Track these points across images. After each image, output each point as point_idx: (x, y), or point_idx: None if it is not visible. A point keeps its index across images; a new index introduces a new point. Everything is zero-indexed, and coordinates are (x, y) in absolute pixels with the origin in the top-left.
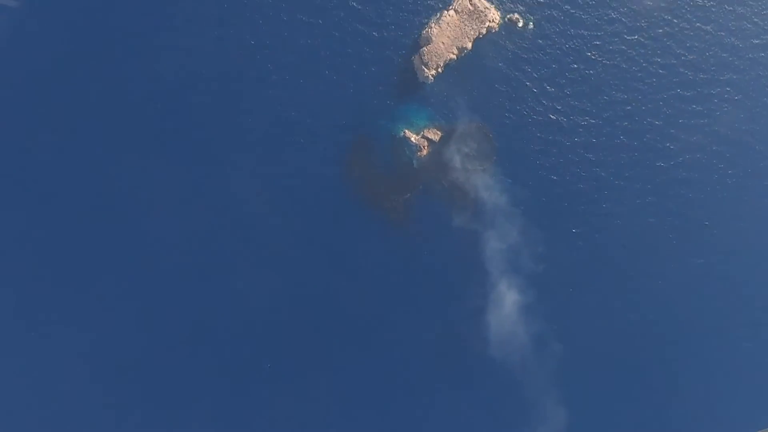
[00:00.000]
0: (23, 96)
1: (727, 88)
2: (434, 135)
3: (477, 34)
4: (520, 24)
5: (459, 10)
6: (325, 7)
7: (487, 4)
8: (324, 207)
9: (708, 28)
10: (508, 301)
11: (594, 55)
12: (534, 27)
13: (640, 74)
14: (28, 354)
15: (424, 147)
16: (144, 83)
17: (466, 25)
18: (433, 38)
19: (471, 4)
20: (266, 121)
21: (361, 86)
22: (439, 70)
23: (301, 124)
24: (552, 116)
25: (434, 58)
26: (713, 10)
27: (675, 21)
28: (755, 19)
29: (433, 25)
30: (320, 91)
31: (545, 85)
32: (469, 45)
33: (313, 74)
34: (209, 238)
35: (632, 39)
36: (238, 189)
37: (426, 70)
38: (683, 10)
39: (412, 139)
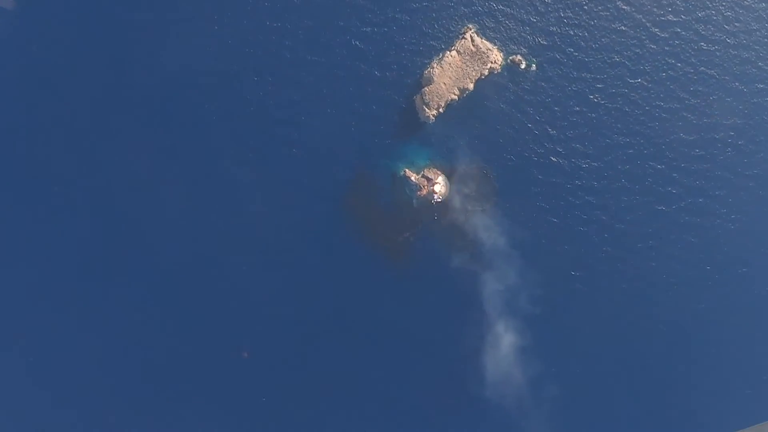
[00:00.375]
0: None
1: (731, 133)
2: (434, 175)
3: (479, 75)
4: (523, 66)
5: (461, 51)
6: (329, 45)
7: (490, 46)
8: (323, 243)
9: (712, 72)
10: (505, 342)
11: (597, 98)
12: (537, 69)
13: (642, 118)
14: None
15: (424, 186)
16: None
17: (468, 65)
18: (435, 78)
19: (473, 45)
20: (268, 157)
21: (363, 124)
22: (441, 110)
23: (302, 160)
24: (553, 158)
25: (435, 99)
26: (717, 54)
27: (679, 65)
28: (760, 64)
29: (435, 65)
30: (321, 128)
31: (547, 127)
32: (471, 86)
33: (315, 112)
34: (207, 271)
35: (635, 82)
36: (236, 225)
37: (427, 110)
38: (687, 54)
39: (412, 178)
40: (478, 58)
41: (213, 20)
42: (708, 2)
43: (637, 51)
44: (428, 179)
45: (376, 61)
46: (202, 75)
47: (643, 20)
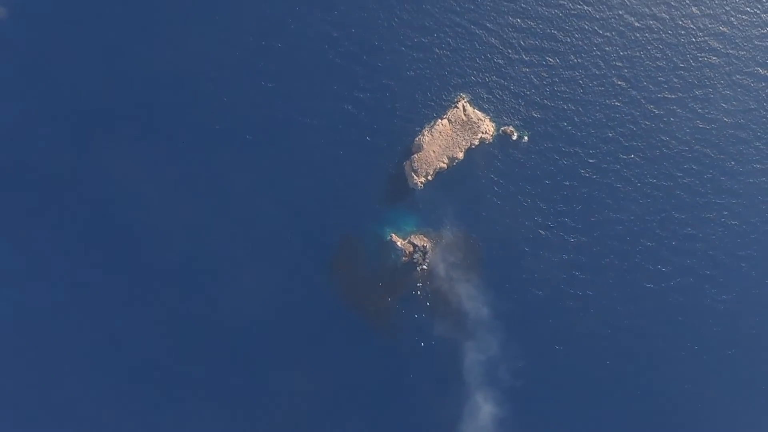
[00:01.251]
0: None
1: (724, 212)
2: (421, 241)
3: (469, 144)
4: (515, 137)
5: (452, 120)
6: (321, 108)
7: (482, 116)
8: (306, 303)
9: (707, 151)
10: (484, 413)
11: (588, 173)
12: (528, 141)
13: (633, 194)
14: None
15: (409, 252)
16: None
17: (458, 135)
18: (424, 146)
19: (465, 114)
20: (258, 216)
21: (352, 188)
22: (429, 177)
23: (290, 220)
24: (541, 232)
25: (424, 166)
26: (714, 133)
27: (673, 143)
28: (757, 144)
29: (425, 132)
30: (311, 189)
31: (537, 200)
32: (461, 155)
33: (305, 173)
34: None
35: (628, 159)
36: (222, 281)
37: (415, 176)
38: (683, 132)
39: (399, 243)
40: (469, 128)
41: (209, 80)
42: (706, 80)
43: (631, 127)
44: (414, 245)
45: (367, 127)
46: (190, 131)
47: (638, 97)
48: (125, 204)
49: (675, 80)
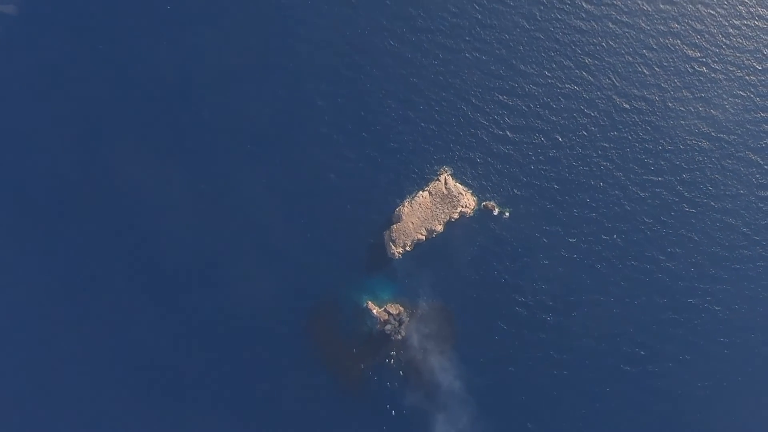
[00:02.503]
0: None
1: (707, 298)
2: (396, 310)
3: (448, 217)
4: (496, 212)
5: (433, 193)
6: (304, 176)
7: (463, 190)
8: (279, 366)
9: (692, 235)
10: None
11: (568, 252)
12: (510, 217)
13: (614, 277)
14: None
15: (384, 320)
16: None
17: (437, 207)
18: (403, 217)
19: (446, 187)
20: (238, 274)
21: (332, 254)
22: (407, 248)
23: (269, 280)
24: (518, 309)
25: (402, 237)
26: (700, 217)
27: (657, 226)
28: (745, 229)
29: (406, 204)
30: (291, 253)
31: (515, 277)
32: (440, 227)
33: (285, 237)
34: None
35: (610, 240)
36: (201, 339)
37: (393, 247)
38: (668, 215)
39: (374, 311)
40: (449, 201)
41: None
42: (694, 164)
43: (615, 209)
44: (390, 314)
45: (349, 195)
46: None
47: (623, 178)
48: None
49: (662, 163)
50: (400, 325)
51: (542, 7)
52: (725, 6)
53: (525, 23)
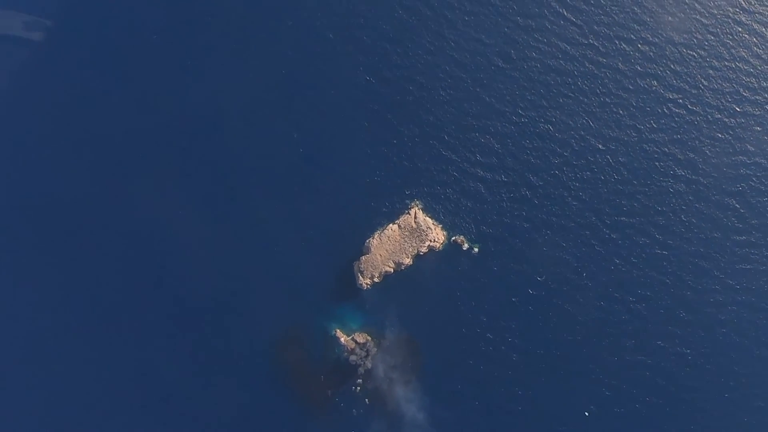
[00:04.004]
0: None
1: (676, 341)
2: (364, 339)
3: (416, 251)
4: (465, 247)
5: (402, 226)
6: (278, 208)
7: (432, 224)
8: (246, 390)
9: (663, 278)
10: None
11: (536, 291)
12: (479, 253)
13: (582, 317)
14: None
15: (351, 349)
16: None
17: (406, 241)
18: (372, 249)
19: (415, 221)
20: (214, 297)
21: (303, 282)
22: (375, 279)
23: (241, 304)
24: (482, 346)
25: (370, 268)
26: (672, 260)
27: (626, 267)
28: (717, 273)
29: (376, 236)
30: (264, 279)
31: (481, 313)
32: (408, 260)
33: (259, 264)
34: None
35: (578, 280)
36: (171, 362)
37: (361, 277)
38: (640, 257)
39: (342, 339)
40: (417, 235)
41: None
42: (667, 207)
43: (584, 249)
44: (357, 343)
45: (321, 226)
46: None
47: (594, 219)
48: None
49: (635, 205)
50: (367, 355)
51: (518, 46)
52: (706, 47)
53: (500, 62)
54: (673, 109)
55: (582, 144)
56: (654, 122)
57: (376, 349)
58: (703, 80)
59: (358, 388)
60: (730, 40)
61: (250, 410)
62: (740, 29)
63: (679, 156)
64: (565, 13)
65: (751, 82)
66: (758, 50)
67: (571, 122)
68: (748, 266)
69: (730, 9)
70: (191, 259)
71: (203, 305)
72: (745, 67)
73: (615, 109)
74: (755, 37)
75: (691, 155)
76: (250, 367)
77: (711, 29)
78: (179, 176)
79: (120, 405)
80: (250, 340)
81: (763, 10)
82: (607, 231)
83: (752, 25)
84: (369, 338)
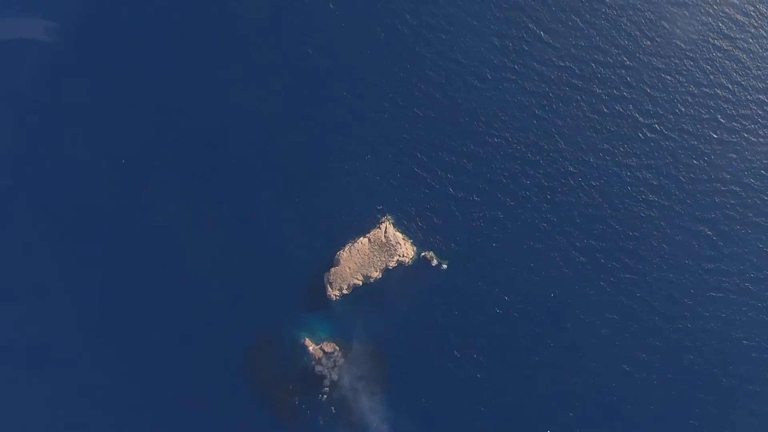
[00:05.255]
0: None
1: (643, 366)
2: (331, 349)
3: (385, 265)
4: (434, 263)
5: (372, 240)
6: (254, 217)
7: (402, 239)
8: (215, 394)
9: (632, 303)
10: None
11: (502, 311)
12: (447, 270)
13: (545, 340)
14: None
15: (319, 358)
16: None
17: (375, 255)
18: (342, 261)
19: (385, 236)
20: (184, 302)
21: (275, 290)
22: (344, 291)
23: (213, 311)
24: (448, 362)
25: (339, 280)
26: (639, 284)
27: (593, 292)
28: (687, 301)
29: (347, 248)
30: (233, 287)
31: (446, 330)
32: (376, 274)
33: (231, 271)
34: None
35: (545, 301)
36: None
37: (330, 289)
38: (608, 281)
39: (311, 348)
40: (386, 250)
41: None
42: (638, 232)
43: (552, 272)
44: (324, 352)
45: (295, 238)
46: None
47: (564, 242)
48: None
49: (605, 229)
50: (334, 365)
51: (494, 67)
52: (684, 73)
53: (476, 82)
54: (648, 134)
55: (554, 166)
56: (628, 146)
57: (343, 360)
58: (680, 106)
59: (325, 396)
60: (709, 66)
61: (217, 415)
62: (719, 55)
63: (652, 181)
64: (543, 35)
65: (729, 109)
66: (737, 77)
67: (544, 144)
68: (719, 294)
69: (711, 35)
70: (163, 266)
71: (177, 310)
72: (723, 94)
73: (589, 133)
74: (734, 64)
75: (665, 181)
76: (220, 371)
77: (690, 54)
78: (157, 180)
79: (85, 411)
80: (221, 345)
81: (742, 36)
82: (577, 254)
83: (732, 51)
84: (337, 348)
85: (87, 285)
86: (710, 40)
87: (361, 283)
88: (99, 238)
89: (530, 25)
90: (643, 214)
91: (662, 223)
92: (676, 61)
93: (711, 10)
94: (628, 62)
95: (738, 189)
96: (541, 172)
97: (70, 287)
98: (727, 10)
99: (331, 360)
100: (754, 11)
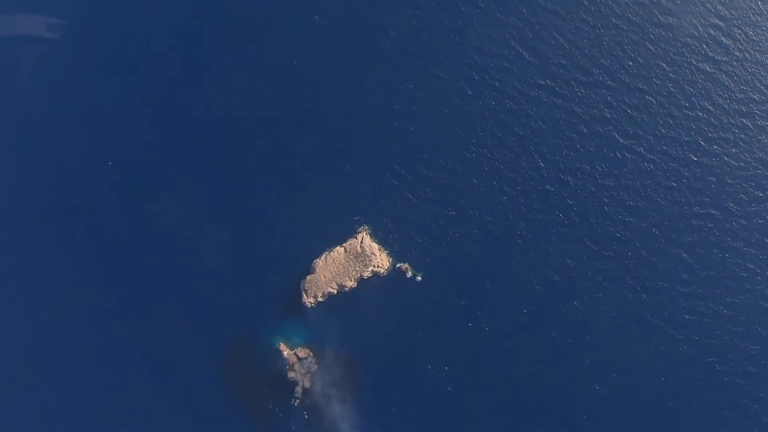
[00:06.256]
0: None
1: (612, 385)
2: (305, 355)
3: (360, 275)
4: (409, 275)
5: (348, 250)
6: (235, 225)
7: (378, 250)
8: (192, 394)
9: (603, 324)
10: None
11: (474, 327)
12: (422, 282)
13: (517, 357)
14: None
15: (293, 363)
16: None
17: (350, 264)
18: (317, 270)
19: (360, 246)
20: (164, 303)
21: (253, 294)
22: (319, 299)
23: (193, 313)
24: (418, 373)
25: (314, 288)
26: (613, 305)
27: (565, 311)
28: (660, 323)
29: (323, 257)
30: (217, 290)
31: (418, 341)
32: (351, 283)
33: (212, 278)
34: None
35: (517, 318)
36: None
37: (305, 296)
38: (582, 300)
39: (285, 353)
40: (361, 260)
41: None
42: (613, 253)
43: (526, 290)
44: (299, 358)
45: (274, 245)
46: None
47: (538, 260)
48: None
49: (581, 249)
50: (307, 371)
51: (474, 83)
52: (665, 94)
53: (456, 98)
54: (627, 155)
55: (531, 184)
56: (606, 167)
57: (316, 366)
58: (660, 128)
59: (297, 401)
60: (692, 88)
61: (191, 415)
62: (702, 77)
63: (629, 202)
64: (524, 53)
65: (710, 132)
66: (720, 100)
67: (522, 162)
68: (693, 317)
69: (694, 57)
70: (144, 268)
71: (157, 310)
72: (705, 117)
73: (567, 152)
74: (717, 87)
75: (642, 203)
76: (196, 371)
77: (672, 76)
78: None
79: (57, 412)
80: (198, 345)
81: (727, 59)
82: (551, 272)
83: (715, 74)
84: (311, 354)
85: (60, 285)
86: (694, 62)
87: (335, 292)
88: (82, 239)
89: (512, 43)
90: (619, 235)
91: (638, 245)
92: (658, 83)
93: (696, 32)
94: (609, 82)
95: (716, 213)
96: (518, 188)
97: (38, 285)
98: (712, 32)
99: (305, 366)
100: (740, 34)
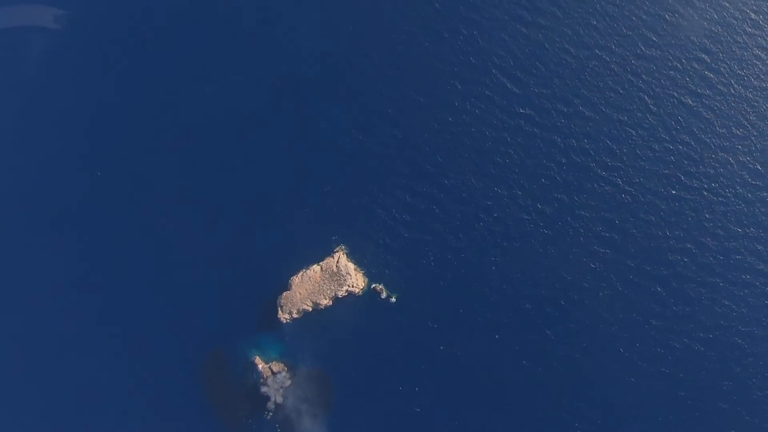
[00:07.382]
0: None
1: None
2: (279, 368)
3: (334, 294)
4: (384, 296)
5: (324, 268)
6: (214, 243)
7: (353, 269)
8: (167, 403)
9: (575, 355)
10: None
11: (445, 350)
12: (396, 303)
13: (488, 382)
14: None
15: (267, 377)
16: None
17: (325, 283)
18: (293, 287)
19: (336, 265)
20: (144, 312)
21: (230, 307)
22: (294, 315)
23: (171, 323)
24: (389, 394)
25: (289, 305)
26: (584, 337)
27: (535, 338)
28: (634, 357)
29: (299, 274)
30: (196, 304)
31: (390, 362)
32: (326, 301)
33: (187, 289)
34: None
35: (490, 344)
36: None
37: (281, 312)
38: (554, 330)
39: (260, 366)
40: (336, 280)
41: None
42: (587, 284)
43: (498, 317)
44: (273, 372)
45: (254, 261)
46: None
47: (511, 289)
48: None
49: (554, 278)
50: (281, 386)
51: (455, 110)
52: (645, 127)
53: (435, 124)
54: (604, 186)
55: (507, 211)
56: (583, 198)
57: (289, 381)
58: (640, 160)
59: (270, 414)
60: (673, 121)
61: (166, 426)
62: (684, 111)
63: (604, 234)
64: (506, 81)
65: (690, 166)
66: (701, 134)
67: (498, 190)
68: (664, 351)
69: (677, 90)
70: (122, 280)
71: (135, 321)
72: (686, 150)
73: (544, 182)
74: (699, 121)
75: (617, 236)
76: (173, 382)
77: (653, 108)
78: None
79: (33, 419)
80: (175, 357)
81: (709, 93)
82: (524, 301)
83: (697, 108)
84: (285, 368)
85: (40, 292)
86: (676, 95)
87: (310, 309)
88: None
89: (493, 71)
90: (593, 265)
91: (612, 276)
92: (639, 115)
93: (679, 65)
94: (589, 113)
95: (692, 247)
96: (494, 216)
97: (19, 290)
98: (696, 65)
99: (278, 380)
100: (725, 68)
